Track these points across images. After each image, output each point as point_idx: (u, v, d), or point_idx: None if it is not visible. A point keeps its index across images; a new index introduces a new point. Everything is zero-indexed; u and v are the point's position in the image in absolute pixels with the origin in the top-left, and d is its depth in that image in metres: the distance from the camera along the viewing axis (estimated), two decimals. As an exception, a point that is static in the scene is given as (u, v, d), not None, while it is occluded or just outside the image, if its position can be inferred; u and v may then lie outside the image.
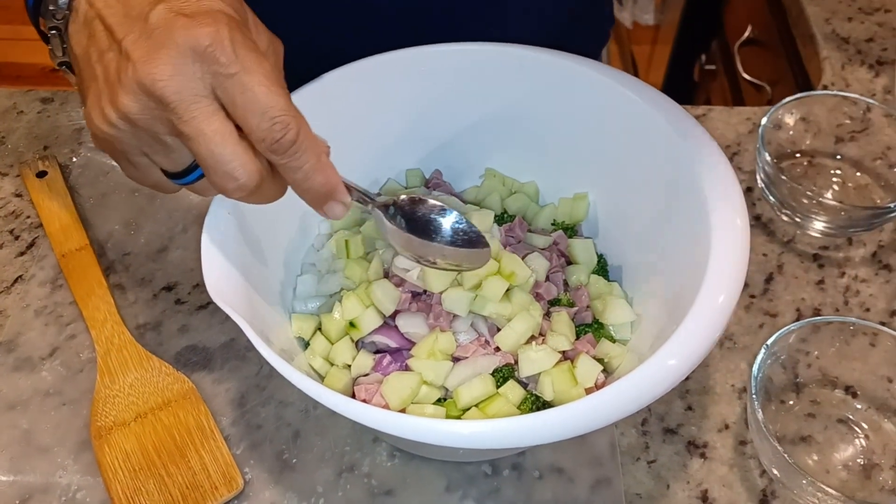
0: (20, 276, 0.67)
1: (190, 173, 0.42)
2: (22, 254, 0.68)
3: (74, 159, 0.75)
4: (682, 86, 1.58)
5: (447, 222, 0.49)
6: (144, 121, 0.39)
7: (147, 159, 0.42)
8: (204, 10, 0.39)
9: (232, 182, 0.39)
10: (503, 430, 0.40)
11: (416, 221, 0.49)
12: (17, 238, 0.69)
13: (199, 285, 0.66)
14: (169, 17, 0.38)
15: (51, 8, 0.44)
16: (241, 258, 0.49)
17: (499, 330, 0.52)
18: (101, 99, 0.40)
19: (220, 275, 0.46)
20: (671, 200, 0.54)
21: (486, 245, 0.49)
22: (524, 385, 0.51)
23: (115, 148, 0.41)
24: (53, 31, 0.44)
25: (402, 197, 0.49)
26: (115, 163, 0.44)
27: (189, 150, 0.39)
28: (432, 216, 0.49)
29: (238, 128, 0.40)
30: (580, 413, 0.41)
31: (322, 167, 0.42)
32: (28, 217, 0.71)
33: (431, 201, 0.49)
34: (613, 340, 0.54)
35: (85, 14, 0.41)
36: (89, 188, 0.73)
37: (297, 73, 0.55)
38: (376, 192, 0.49)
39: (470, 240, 0.49)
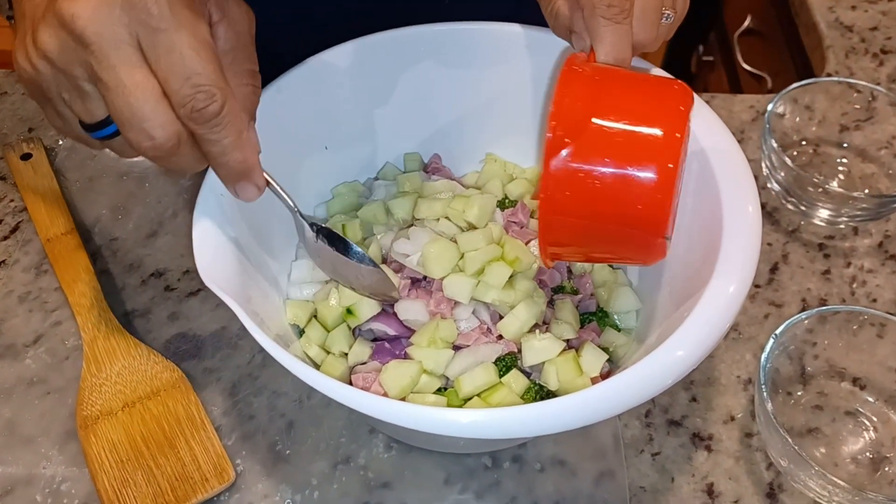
0: (3, 261, 0.64)
1: (105, 126, 0.39)
2: (5, 238, 0.66)
3: (61, 142, 0.73)
4: (678, 77, 1.57)
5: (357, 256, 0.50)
6: (63, 61, 0.36)
7: (68, 110, 0.39)
8: None
9: (147, 141, 0.37)
10: (505, 419, 0.39)
11: (334, 244, 0.50)
12: (0, 222, 0.67)
13: (190, 272, 0.64)
14: None
15: None
16: (233, 241, 0.47)
17: (501, 318, 0.51)
18: (26, 37, 0.37)
19: (211, 257, 0.44)
20: (677, 185, 0.52)
21: (389, 279, 0.51)
22: (528, 374, 0.50)
23: (39, 92, 0.39)
24: (10, 20, 0.43)
25: (323, 226, 0.49)
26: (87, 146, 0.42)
27: (105, 100, 0.37)
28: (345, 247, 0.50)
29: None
30: (585, 403, 0.39)
31: (242, 145, 0.39)
32: (12, 201, 0.68)
33: (343, 239, 0.50)
34: (619, 329, 0.53)
35: None
36: (76, 172, 0.70)
37: (288, 54, 0.54)
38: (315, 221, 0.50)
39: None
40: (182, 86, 0.36)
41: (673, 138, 0.40)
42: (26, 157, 0.70)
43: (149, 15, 0.35)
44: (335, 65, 0.56)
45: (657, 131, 0.40)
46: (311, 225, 0.49)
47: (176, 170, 0.40)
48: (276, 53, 0.45)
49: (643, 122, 0.40)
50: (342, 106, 0.58)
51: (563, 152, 0.40)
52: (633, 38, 0.45)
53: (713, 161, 0.49)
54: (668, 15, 0.47)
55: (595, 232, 0.42)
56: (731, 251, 0.45)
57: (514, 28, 0.57)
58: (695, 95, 0.51)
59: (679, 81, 0.44)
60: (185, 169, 0.40)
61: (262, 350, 0.58)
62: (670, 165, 0.40)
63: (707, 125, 0.50)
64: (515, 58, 0.57)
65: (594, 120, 0.40)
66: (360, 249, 0.50)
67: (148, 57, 0.36)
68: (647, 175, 0.40)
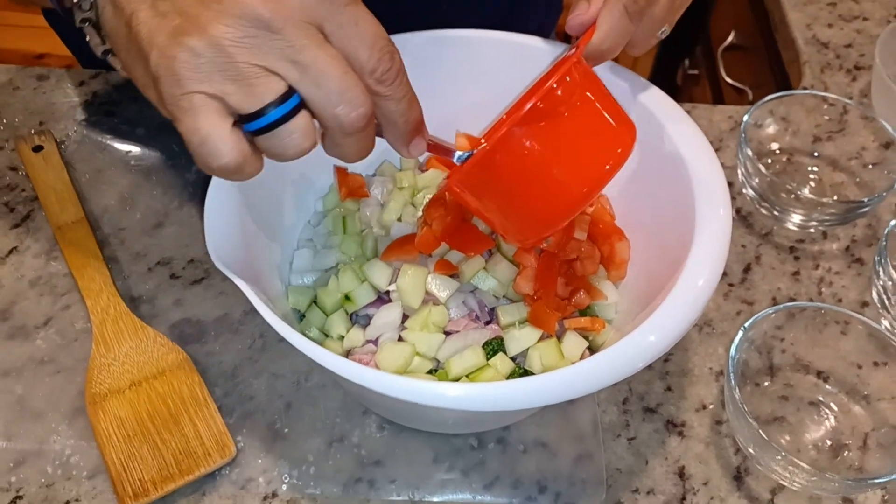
0: (15, 248, 0.67)
1: (264, 115, 0.36)
2: (17, 226, 0.69)
3: (70, 135, 0.76)
4: (664, 89, 1.61)
5: None
6: (242, 49, 0.35)
7: (215, 101, 0.36)
8: None
9: (353, 110, 0.37)
10: (489, 392, 0.42)
11: None
12: (12, 210, 0.70)
13: (194, 260, 0.67)
14: None
15: (75, 1, 0.42)
16: (241, 227, 0.50)
17: (488, 308, 0.54)
18: (181, 31, 0.36)
19: (221, 239, 0.47)
20: (657, 188, 0.56)
21: None
22: (514, 359, 0.53)
23: (184, 77, 0.36)
24: (85, 23, 0.42)
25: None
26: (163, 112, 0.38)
27: (301, 82, 0.36)
28: None
29: None
30: (563, 380, 0.42)
31: (416, 98, 0.42)
32: (23, 190, 0.71)
33: None
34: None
35: None
36: (85, 164, 0.73)
37: None
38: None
39: None
40: (371, 52, 0.37)
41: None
42: (38, 149, 0.73)
43: None
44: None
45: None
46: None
47: (349, 152, 0.41)
48: None
49: None
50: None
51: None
52: (631, 37, 0.49)
53: (689, 167, 0.52)
54: (665, 30, 0.51)
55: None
56: (702, 249, 0.48)
57: (511, 37, 0.60)
58: (674, 108, 0.55)
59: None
60: (358, 151, 0.41)
61: (262, 335, 0.62)
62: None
63: (686, 134, 0.54)
64: (509, 65, 0.61)
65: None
66: None
67: (330, 36, 0.37)
68: None
